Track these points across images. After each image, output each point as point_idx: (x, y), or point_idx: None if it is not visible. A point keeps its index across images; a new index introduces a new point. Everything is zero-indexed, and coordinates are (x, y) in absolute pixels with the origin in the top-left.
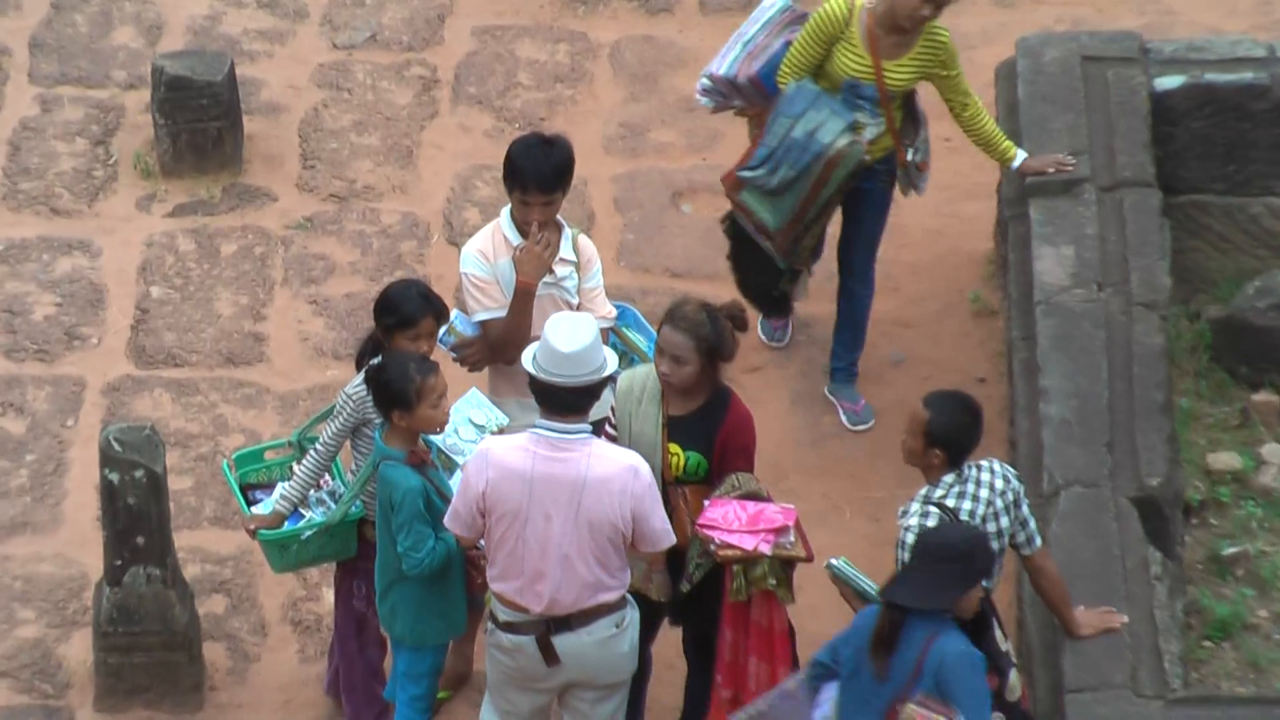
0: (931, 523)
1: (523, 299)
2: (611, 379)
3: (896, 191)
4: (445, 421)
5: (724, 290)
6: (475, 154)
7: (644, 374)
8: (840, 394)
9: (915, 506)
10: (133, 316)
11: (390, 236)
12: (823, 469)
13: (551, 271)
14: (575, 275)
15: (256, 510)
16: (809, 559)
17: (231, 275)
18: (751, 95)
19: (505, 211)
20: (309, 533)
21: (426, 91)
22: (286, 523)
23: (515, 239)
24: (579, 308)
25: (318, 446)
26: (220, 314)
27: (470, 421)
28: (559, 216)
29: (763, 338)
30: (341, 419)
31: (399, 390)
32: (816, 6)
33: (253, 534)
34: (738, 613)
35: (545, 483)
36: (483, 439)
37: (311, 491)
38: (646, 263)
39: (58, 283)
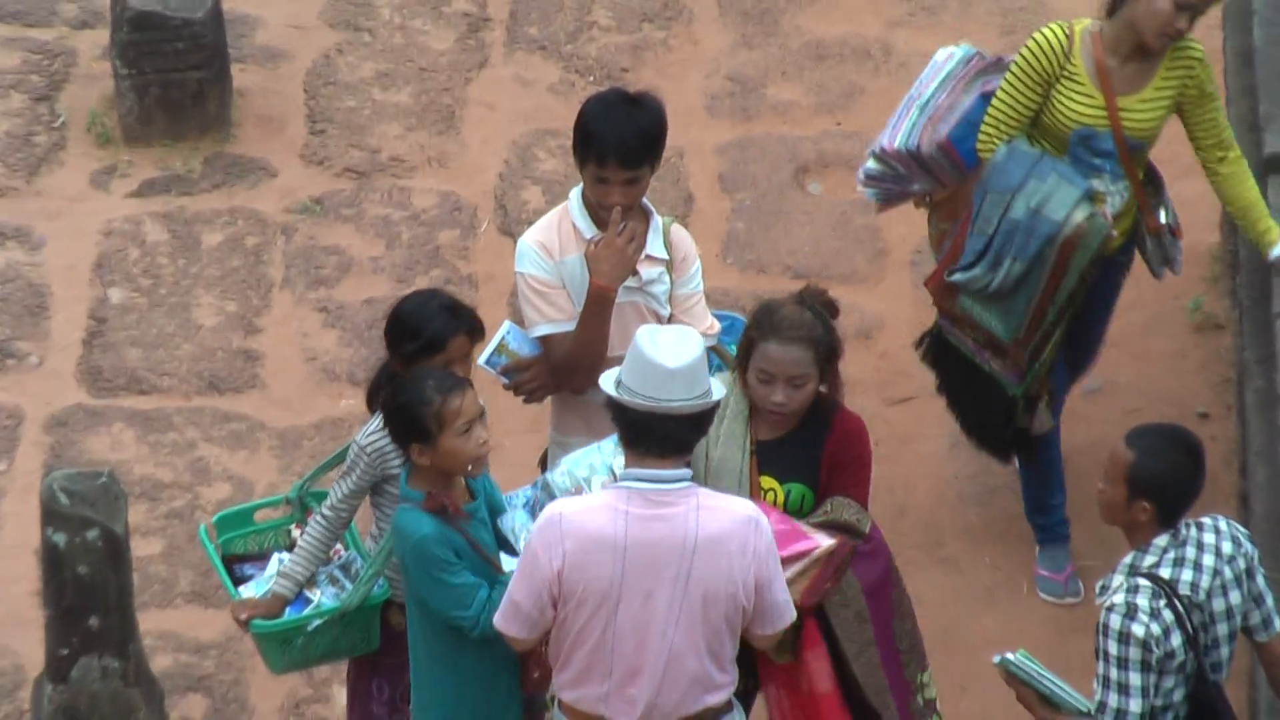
0: (1142, 600)
1: (598, 308)
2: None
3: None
4: (477, 457)
5: (866, 297)
6: (537, 116)
7: (724, 387)
8: (1042, 557)
9: (1119, 579)
10: (85, 328)
11: (425, 224)
12: (991, 531)
13: (636, 273)
14: (667, 277)
15: (247, 591)
16: (801, 605)
17: (216, 274)
18: (943, 168)
19: (575, 193)
20: (317, 622)
21: (473, 34)
22: (288, 610)
23: (589, 229)
24: (670, 320)
25: (326, 509)
26: (201, 325)
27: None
28: (646, 199)
29: (1041, 581)
30: (356, 475)
31: (413, 417)
32: (1013, 50)
33: (244, 625)
34: (771, 669)
35: (644, 551)
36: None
37: (320, 567)
38: (761, 260)
39: None
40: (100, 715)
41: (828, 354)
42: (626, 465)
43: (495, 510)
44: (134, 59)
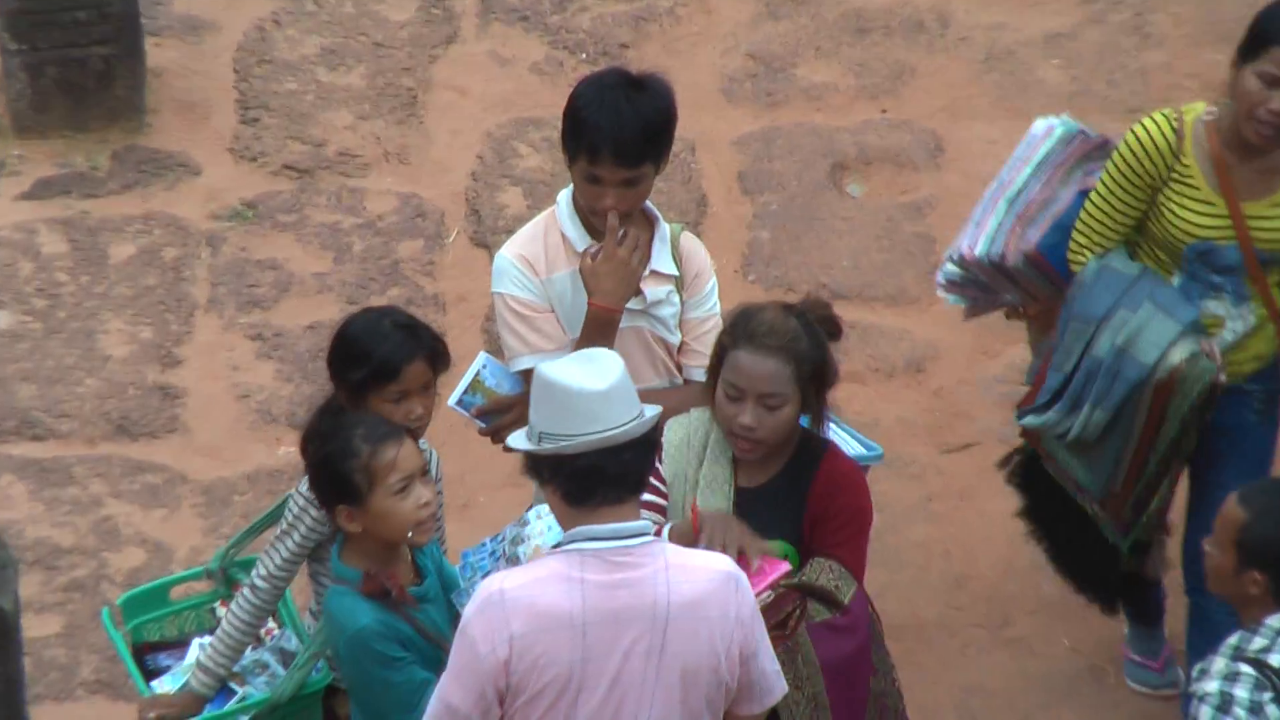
0: (1241, 692)
1: (600, 333)
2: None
3: None
4: (418, 522)
5: (917, 321)
6: (517, 101)
7: (704, 421)
8: (1131, 637)
9: (1220, 664)
10: None
11: (381, 233)
12: (1070, 605)
13: (639, 292)
14: (677, 297)
15: (161, 686)
16: None
17: (127, 293)
18: (1033, 281)
19: (564, 196)
20: (244, 719)
21: (439, 1)
22: (208, 707)
23: (582, 240)
24: (681, 350)
25: (257, 578)
26: (109, 355)
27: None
28: (649, 203)
29: (1131, 668)
30: (297, 536)
31: (337, 472)
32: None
33: None
34: None
35: (607, 626)
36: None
37: (248, 651)
38: (789, 276)
39: None
40: None
41: (812, 374)
42: (568, 527)
43: (449, 585)
44: (25, 31)
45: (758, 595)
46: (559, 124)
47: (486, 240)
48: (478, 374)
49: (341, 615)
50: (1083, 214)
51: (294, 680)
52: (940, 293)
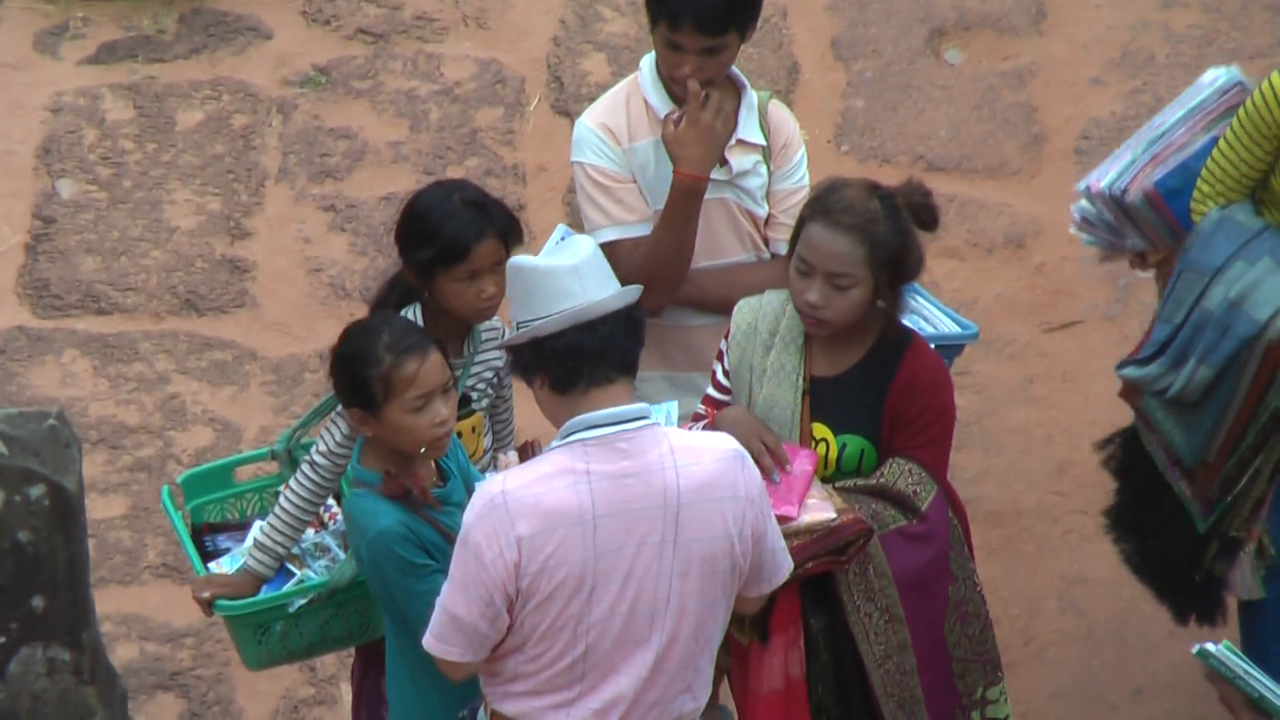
0: None
1: (686, 203)
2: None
3: None
4: (432, 440)
5: (1018, 194)
6: None
7: (776, 304)
8: None
9: None
10: (28, 230)
11: (459, 101)
12: None
13: (724, 162)
14: (764, 168)
15: (217, 568)
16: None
17: (194, 162)
18: (1152, 225)
19: (647, 61)
20: (301, 602)
21: None
22: (265, 588)
23: (664, 107)
24: (769, 222)
25: (316, 455)
26: (175, 227)
27: None
28: (735, 69)
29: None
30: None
31: (356, 375)
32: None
33: (207, 607)
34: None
35: (618, 519)
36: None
37: (308, 534)
38: (885, 147)
39: None
40: (46, 719)
41: (888, 259)
42: (562, 420)
43: (473, 490)
44: None
45: (828, 555)
46: None
47: (568, 108)
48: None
49: (363, 517)
50: (1209, 162)
51: (353, 565)
52: (1073, 229)
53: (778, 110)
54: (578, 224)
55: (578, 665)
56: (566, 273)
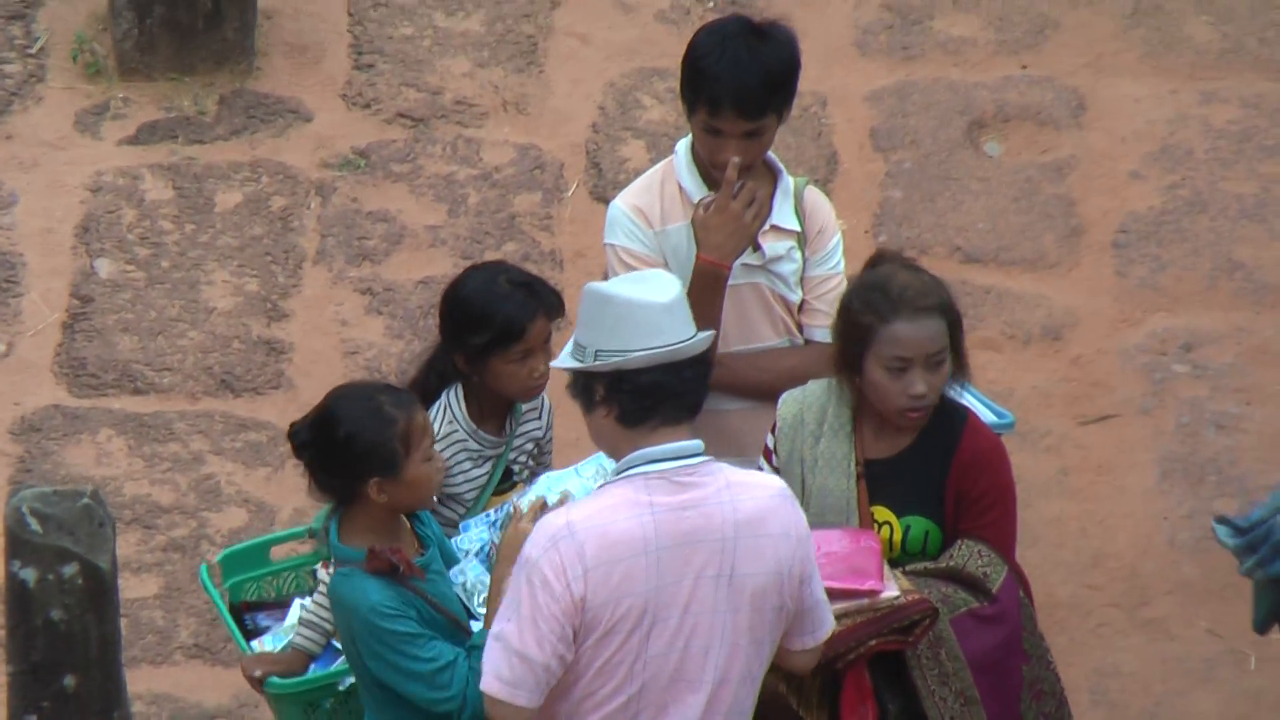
0: None
1: (708, 289)
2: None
3: None
4: (440, 483)
5: (1056, 287)
6: (640, 50)
7: (820, 393)
8: None
9: None
10: (66, 308)
11: (499, 185)
12: (1210, 587)
13: (758, 247)
14: (798, 254)
15: (259, 646)
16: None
17: (233, 244)
18: None
19: (683, 145)
20: (351, 680)
21: None
22: (313, 666)
23: (698, 191)
24: (803, 308)
25: None
26: (213, 308)
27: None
28: (772, 155)
29: None
30: None
31: (374, 444)
32: None
33: (259, 685)
34: None
35: (679, 550)
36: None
37: None
38: (923, 238)
39: None
40: None
41: (956, 322)
42: (623, 453)
43: (449, 559)
44: None
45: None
46: (679, 74)
47: (606, 194)
48: None
49: (350, 596)
50: None
51: None
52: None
53: (814, 196)
54: None
55: (632, 704)
56: (660, 310)
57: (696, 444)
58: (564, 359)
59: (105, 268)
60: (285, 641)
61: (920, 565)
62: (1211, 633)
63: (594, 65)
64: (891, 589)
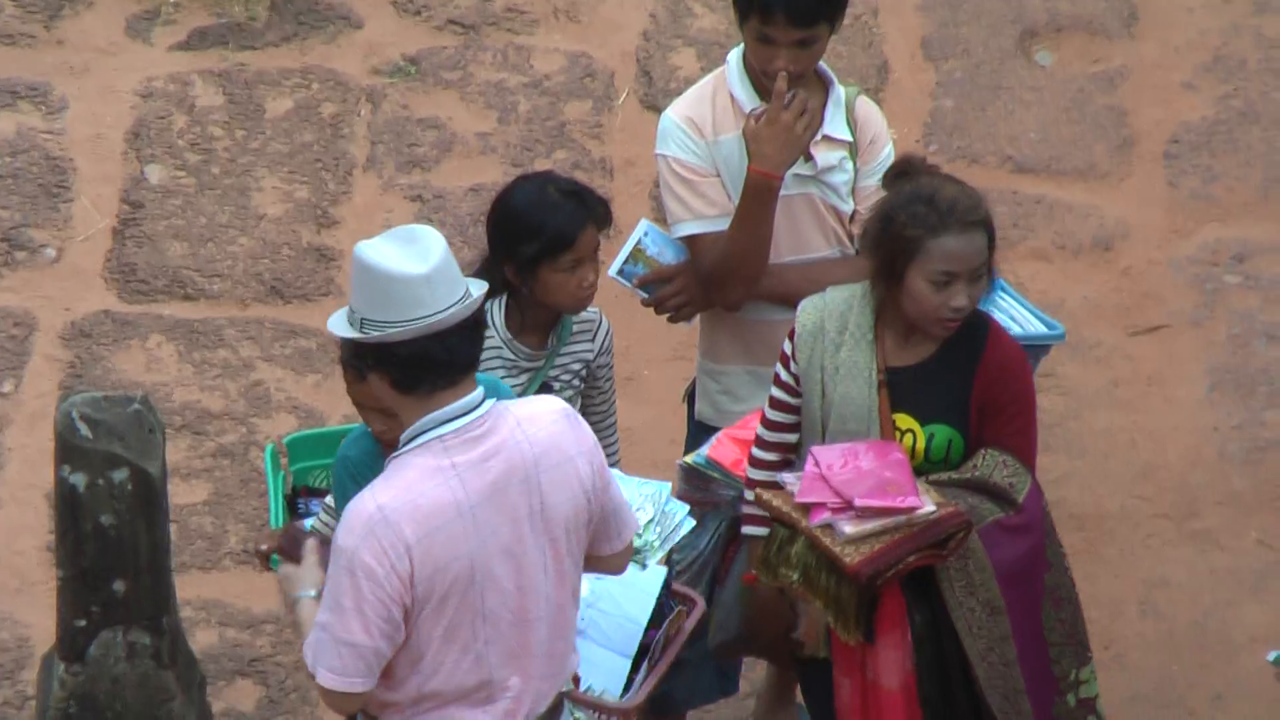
0: None
1: (759, 200)
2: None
3: None
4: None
5: (1106, 197)
6: None
7: (841, 301)
8: None
9: None
10: (115, 214)
11: (549, 93)
12: (1261, 497)
13: (810, 157)
14: (850, 164)
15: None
16: (851, 572)
17: (283, 150)
18: None
19: (735, 55)
20: None
21: None
22: None
23: (750, 101)
24: (854, 219)
25: None
26: (263, 214)
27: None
28: (823, 65)
29: None
30: None
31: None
32: None
33: (264, 559)
34: (839, 650)
35: (490, 502)
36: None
37: None
38: (974, 147)
39: None
40: (123, 704)
41: (994, 234)
42: (411, 420)
43: None
44: None
45: (926, 549)
46: None
47: (657, 103)
48: (639, 242)
49: (343, 444)
50: None
51: None
52: None
53: (865, 106)
54: (662, 218)
55: (482, 661)
56: (418, 282)
57: (476, 395)
58: (337, 322)
59: (155, 174)
60: (311, 526)
61: (944, 475)
62: (1261, 543)
63: None
64: (928, 504)
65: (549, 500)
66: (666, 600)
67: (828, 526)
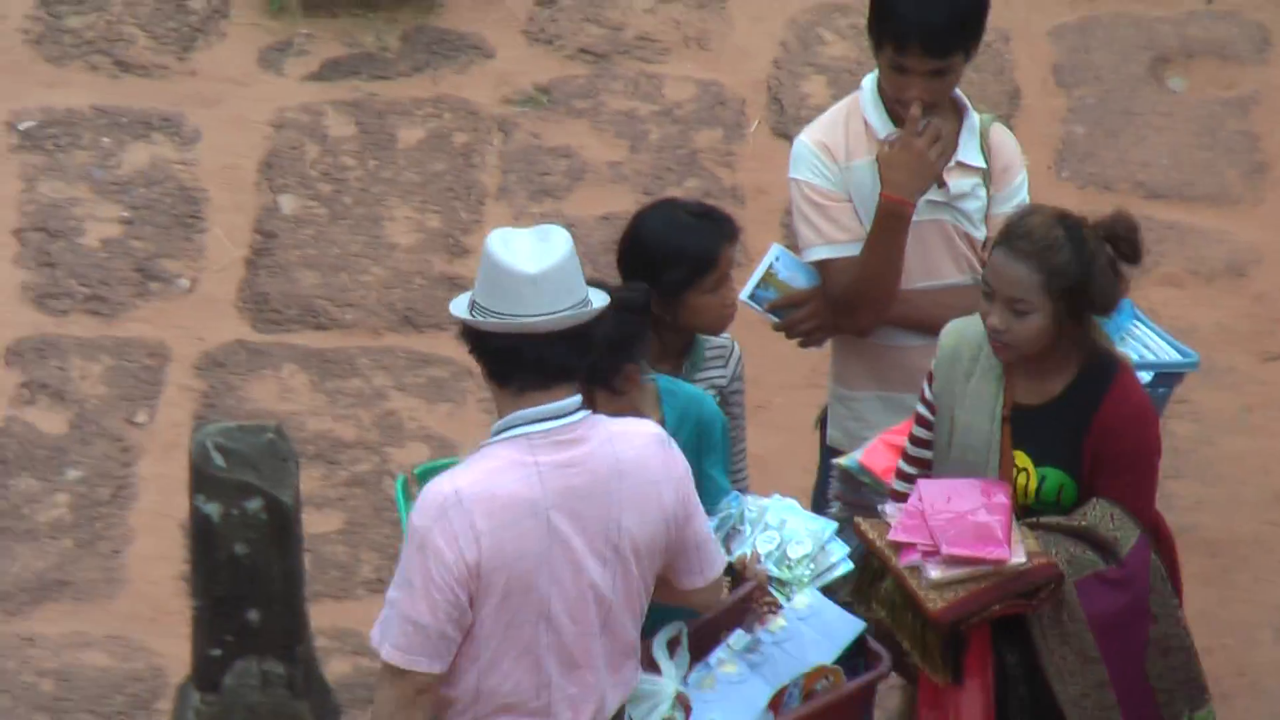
0: None
1: (890, 226)
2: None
3: None
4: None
5: (1239, 222)
6: None
7: (978, 329)
8: None
9: None
10: (249, 244)
11: (679, 121)
12: None
13: (943, 184)
14: (983, 191)
15: None
16: (933, 618)
17: (415, 179)
18: None
19: (869, 81)
20: None
21: None
22: None
23: (884, 127)
24: (985, 247)
25: None
26: (395, 244)
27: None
28: (959, 92)
29: None
30: None
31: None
32: None
33: None
34: (927, 688)
35: (567, 507)
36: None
37: None
38: (1105, 174)
39: (125, 185)
40: None
41: (1066, 289)
42: (505, 412)
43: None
44: None
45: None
46: (866, 9)
47: (788, 130)
48: (770, 266)
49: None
50: None
51: None
52: None
53: (1000, 133)
54: (794, 245)
55: (543, 665)
56: (524, 280)
57: (572, 401)
58: (459, 302)
59: (288, 204)
60: None
61: (1053, 519)
62: None
63: (775, 1)
64: (1019, 555)
65: (626, 518)
66: (859, 655)
67: (915, 569)
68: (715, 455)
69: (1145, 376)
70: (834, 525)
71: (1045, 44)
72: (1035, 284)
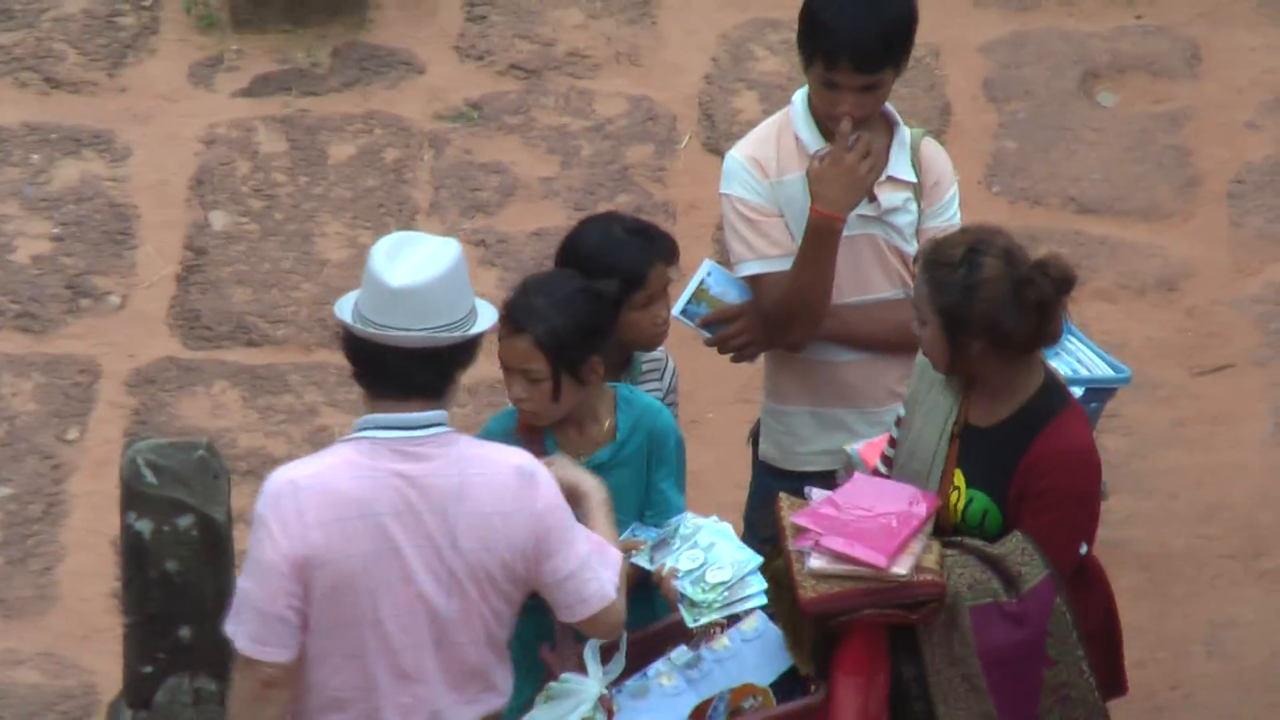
0: None
1: (821, 241)
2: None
3: None
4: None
5: (1170, 237)
6: (754, 1)
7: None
8: None
9: None
10: (180, 260)
11: (611, 137)
12: None
13: (874, 198)
14: (914, 205)
15: None
16: (802, 606)
17: (346, 195)
18: None
19: (800, 96)
20: None
21: None
22: None
23: (815, 142)
24: (915, 261)
25: None
26: (326, 260)
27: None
28: (889, 107)
29: None
30: None
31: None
32: None
33: None
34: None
35: (400, 517)
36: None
37: None
38: (1036, 189)
39: (55, 202)
40: None
41: (946, 307)
42: (368, 411)
43: (656, 451)
44: None
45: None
46: (794, 25)
47: (720, 146)
48: (702, 282)
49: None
50: None
51: None
52: None
53: (930, 148)
54: (726, 260)
55: (367, 673)
56: (388, 292)
57: (432, 415)
58: (345, 302)
59: (219, 220)
60: None
61: (976, 543)
62: None
63: (707, 16)
64: (902, 566)
65: (464, 541)
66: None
67: (802, 554)
68: (667, 469)
69: (1078, 391)
70: (759, 560)
71: (976, 59)
72: (924, 295)
